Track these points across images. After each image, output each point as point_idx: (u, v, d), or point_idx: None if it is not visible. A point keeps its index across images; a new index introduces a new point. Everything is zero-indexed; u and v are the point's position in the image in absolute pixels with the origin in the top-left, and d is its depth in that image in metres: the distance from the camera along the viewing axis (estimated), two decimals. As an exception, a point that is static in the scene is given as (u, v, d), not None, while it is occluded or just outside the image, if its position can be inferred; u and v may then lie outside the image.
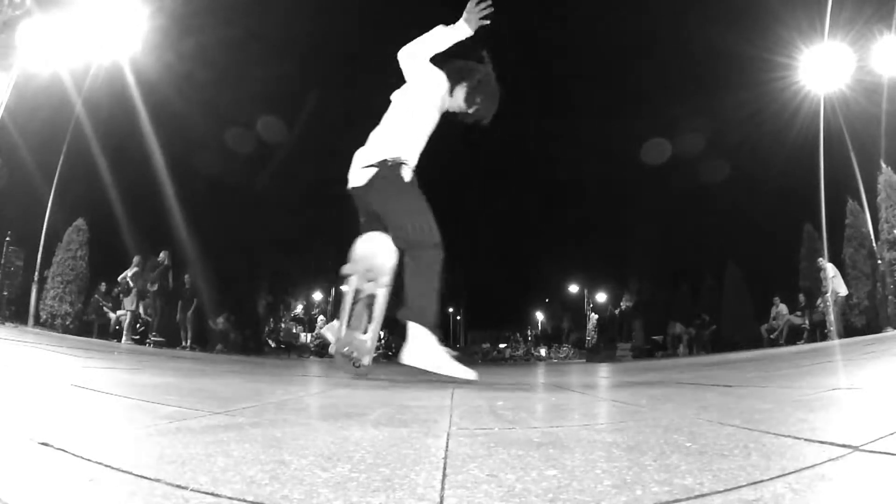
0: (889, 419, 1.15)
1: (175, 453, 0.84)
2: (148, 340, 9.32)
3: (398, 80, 2.90)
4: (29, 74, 8.84)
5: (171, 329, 10.16)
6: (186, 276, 10.96)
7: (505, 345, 22.63)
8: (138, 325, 9.61)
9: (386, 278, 2.65)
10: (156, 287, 9.61)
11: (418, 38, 2.69)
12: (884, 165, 9.39)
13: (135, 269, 9.41)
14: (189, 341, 10.31)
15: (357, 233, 2.82)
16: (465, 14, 2.67)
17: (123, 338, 8.99)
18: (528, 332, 25.95)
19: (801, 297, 11.34)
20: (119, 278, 9.53)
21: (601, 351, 16.88)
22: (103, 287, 10.20)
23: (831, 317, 9.39)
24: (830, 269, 9.58)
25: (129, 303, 9.26)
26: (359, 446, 0.96)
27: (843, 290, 9.47)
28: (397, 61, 2.78)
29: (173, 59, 11.11)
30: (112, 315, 9.93)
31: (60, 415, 1.23)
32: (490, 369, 7.58)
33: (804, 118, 11.21)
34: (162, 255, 9.92)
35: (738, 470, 0.75)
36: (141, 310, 9.77)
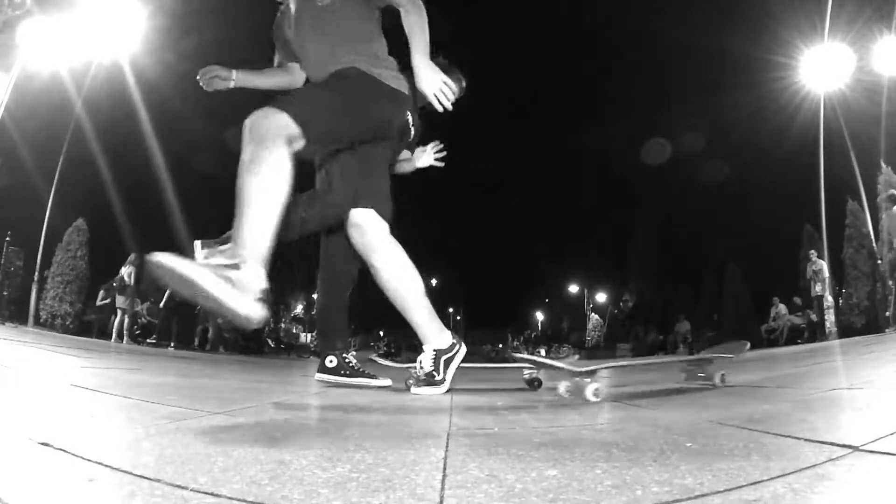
0: (889, 419, 1.15)
1: (175, 453, 0.84)
2: (149, 341, 9.28)
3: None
4: (29, 74, 8.83)
5: (184, 335, 10.05)
6: None
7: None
8: (135, 327, 9.57)
9: None
10: (162, 297, 9.56)
11: None
12: (884, 165, 9.39)
13: (131, 268, 9.34)
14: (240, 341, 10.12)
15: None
16: (417, 155, 2.68)
17: (123, 337, 8.95)
18: (528, 334, 25.93)
19: (798, 299, 11.35)
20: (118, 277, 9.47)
21: (600, 351, 16.87)
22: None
23: (832, 317, 9.39)
24: (826, 269, 9.57)
25: (122, 301, 9.17)
26: (359, 446, 0.96)
27: (821, 290, 9.49)
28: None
29: (173, 59, 11.11)
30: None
31: (60, 415, 1.22)
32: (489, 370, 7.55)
33: (804, 118, 11.22)
34: None
35: (738, 470, 0.75)
36: (143, 310, 9.75)
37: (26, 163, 9.49)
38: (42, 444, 0.83)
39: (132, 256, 9.47)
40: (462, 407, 1.69)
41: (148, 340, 9.42)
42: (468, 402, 1.86)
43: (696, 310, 15.34)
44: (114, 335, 8.94)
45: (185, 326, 10.30)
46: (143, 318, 9.89)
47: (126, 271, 9.34)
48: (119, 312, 9.11)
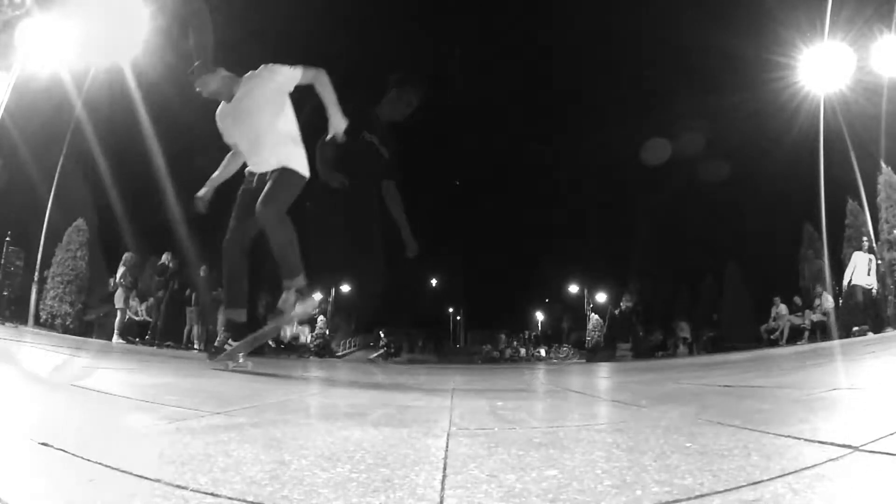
0: (889, 419, 1.15)
1: (175, 453, 0.84)
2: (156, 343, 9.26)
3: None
4: (29, 74, 8.82)
5: (177, 333, 10.01)
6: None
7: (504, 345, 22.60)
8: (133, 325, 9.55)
9: None
10: (161, 293, 9.54)
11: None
12: (884, 165, 9.39)
13: (123, 268, 9.33)
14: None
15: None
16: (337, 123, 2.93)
17: (114, 337, 8.93)
18: (527, 334, 25.91)
19: (798, 299, 11.34)
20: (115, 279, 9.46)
21: (600, 351, 16.85)
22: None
23: (832, 317, 9.41)
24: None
25: (118, 300, 9.16)
26: (359, 446, 0.96)
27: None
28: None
29: (174, 60, 11.09)
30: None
31: (60, 415, 1.22)
32: (489, 370, 7.57)
33: (804, 118, 11.20)
34: (165, 257, 9.82)
35: (738, 470, 0.75)
36: (143, 309, 9.75)
37: (26, 163, 9.47)
38: (42, 444, 0.83)
39: (126, 256, 9.48)
40: (462, 407, 1.69)
41: (136, 339, 9.39)
42: (468, 402, 1.86)
43: (696, 310, 15.35)
44: (115, 335, 8.95)
45: (184, 326, 10.29)
46: (139, 317, 9.88)
47: (120, 272, 9.35)
48: (118, 313, 9.13)
